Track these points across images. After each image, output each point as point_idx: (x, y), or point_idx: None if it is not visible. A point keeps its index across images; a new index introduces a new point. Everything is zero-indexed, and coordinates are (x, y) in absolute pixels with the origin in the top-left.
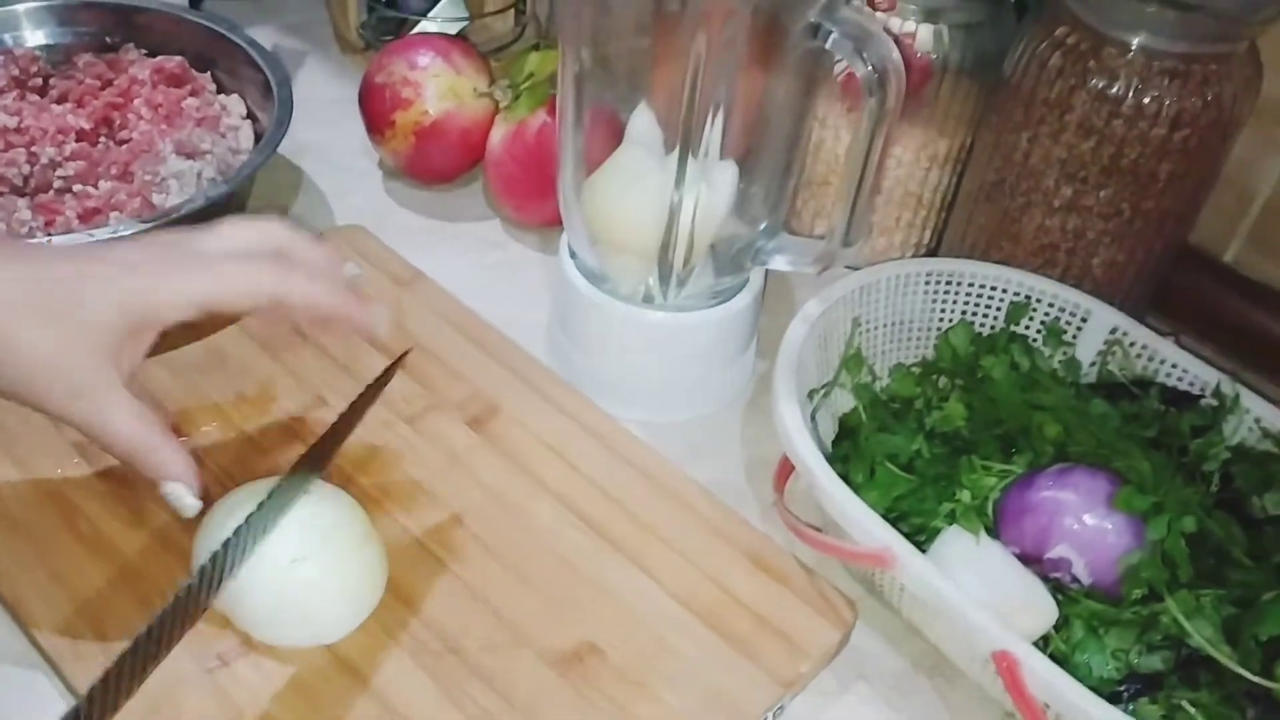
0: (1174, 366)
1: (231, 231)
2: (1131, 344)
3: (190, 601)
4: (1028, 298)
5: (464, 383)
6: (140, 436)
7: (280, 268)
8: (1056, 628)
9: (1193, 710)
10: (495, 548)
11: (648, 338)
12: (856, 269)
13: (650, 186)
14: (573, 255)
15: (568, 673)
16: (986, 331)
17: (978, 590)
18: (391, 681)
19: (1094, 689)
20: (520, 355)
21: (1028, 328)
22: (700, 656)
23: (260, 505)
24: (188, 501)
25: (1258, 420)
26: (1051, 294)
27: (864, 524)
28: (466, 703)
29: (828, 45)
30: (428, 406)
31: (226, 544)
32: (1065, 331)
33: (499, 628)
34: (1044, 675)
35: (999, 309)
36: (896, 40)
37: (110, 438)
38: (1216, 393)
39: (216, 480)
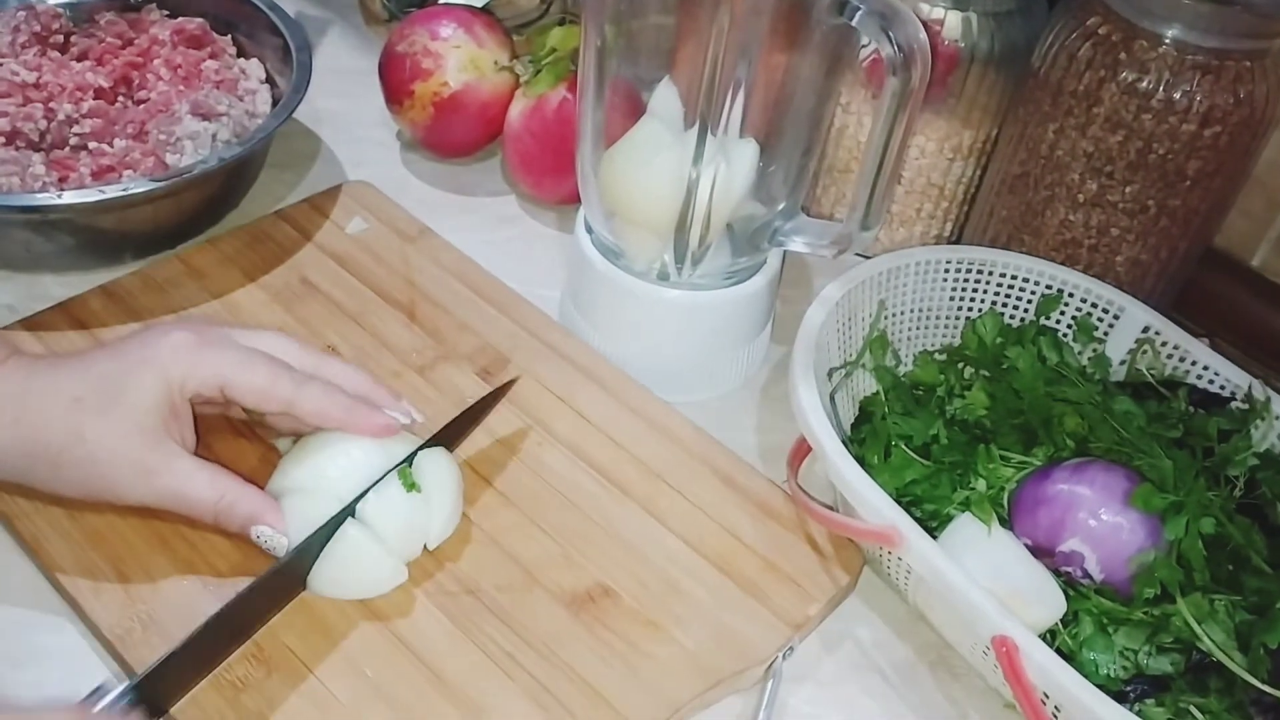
0: (1205, 369)
1: (274, 340)
2: (1163, 344)
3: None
4: (1060, 291)
5: (473, 334)
6: (222, 491)
7: (298, 379)
8: (1065, 623)
9: (1200, 716)
10: (507, 493)
11: (661, 315)
12: (869, 257)
13: (668, 162)
14: (589, 230)
15: (580, 613)
16: (1014, 323)
17: (985, 578)
18: (410, 620)
19: (1100, 687)
20: (527, 308)
21: (1058, 321)
22: (711, 599)
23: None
24: (280, 542)
25: None
26: (1084, 289)
27: (873, 501)
28: (484, 640)
29: (853, 22)
30: (438, 357)
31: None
32: (1096, 328)
33: (514, 570)
34: (1043, 663)
35: (1029, 301)
36: (924, 26)
37: (194, 501)
38: (1247, 396)
39: (231, 426)
